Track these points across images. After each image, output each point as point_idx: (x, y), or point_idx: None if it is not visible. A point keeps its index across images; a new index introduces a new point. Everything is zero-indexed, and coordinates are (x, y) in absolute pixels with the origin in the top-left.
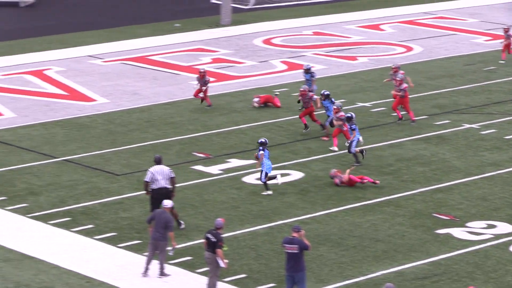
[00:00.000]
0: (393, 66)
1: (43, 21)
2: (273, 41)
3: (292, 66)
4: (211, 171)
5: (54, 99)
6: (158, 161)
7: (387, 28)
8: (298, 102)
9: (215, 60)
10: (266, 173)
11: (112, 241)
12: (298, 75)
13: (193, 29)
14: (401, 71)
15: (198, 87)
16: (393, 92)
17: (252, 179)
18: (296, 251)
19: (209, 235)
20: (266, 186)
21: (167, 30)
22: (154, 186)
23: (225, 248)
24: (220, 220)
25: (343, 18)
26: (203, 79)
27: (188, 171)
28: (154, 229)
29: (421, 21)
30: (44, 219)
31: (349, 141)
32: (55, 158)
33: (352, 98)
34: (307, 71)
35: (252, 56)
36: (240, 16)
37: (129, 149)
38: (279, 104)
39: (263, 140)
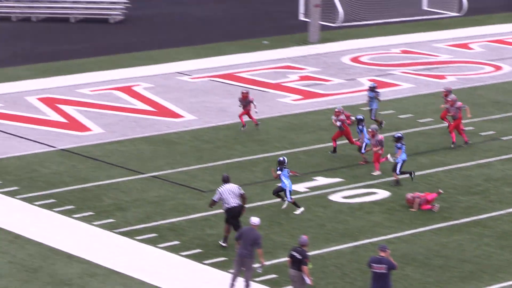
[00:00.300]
0: (444, 90)
1: (132, 37)
2: (361, 59)
3: (380, 85)
4: (298, 188)
5: (142, 115)
6: (226, 180)
7: (476, 47)
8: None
9: (303, 78)
10: (290, 191)
11: (198, 257)
12: (385, 93)
13: (281, 47)
14: (453, 96)
15: (241, 108)
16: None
17: (338, 197)
18: (384, 271)
19: (294, 253)
20: (295, 205)
21: (255, 47)
22: (226, 206)
23: (309, 266)
24: (304, 237)
25: (431, 37)
26: (245, 100)
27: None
28: (241, 246)
29: (511, 41)
30: (131, 234)
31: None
32: (143, 174)
33: (439, 117)
34: (372, 89)
35: (340, 74)
36: (328, 34)
37: (216, 166)
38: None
39: (281, 159)
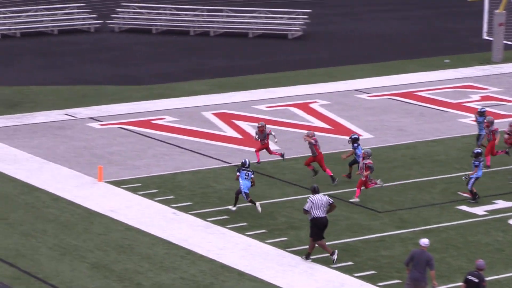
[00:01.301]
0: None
1: (310, 53)
2: None
3: None
4: (476, 212)
5: (319, 133)
6: (315, 191)
7: None
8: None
9: (484, 98)
10: (246, 193)
11: (371, 279)
12: None
13: (463, 66)
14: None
15: (260, 142)
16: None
17: None
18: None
19: (471, 277)
20: (252, 202)
21: (436, 66)
22: (315, 215)
23: None
24: (481, 261)
25: None
26: (262, 133)
27: (453, 211)
28: (413, 269)
29: None
30: (303, 254)
31: (468, 176)
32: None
33: None
34: (481, 113)
35: None
36: None
37: (392, 187)
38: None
39: (243, 161)
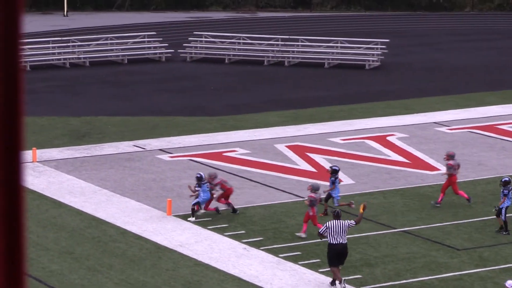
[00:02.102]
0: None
1: (388, 84)
2: None
3: None
4: None
5: (396, 167)
6: (337, 216)
7: None
8: None
9: None
10: (198, 202)
11: None
12: None
13: None
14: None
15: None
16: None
17: None
18: None
19: None
20: (193, 212)
21: None
22: (332, 242)
23: None
24: None
25: None
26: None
27: None
28: None
29: None
30: None
31: (498, 207)
32: (394, 228)
33: None
34: None
35: None
36: None
37: (471, 223)
38: None
39: (198, 175)
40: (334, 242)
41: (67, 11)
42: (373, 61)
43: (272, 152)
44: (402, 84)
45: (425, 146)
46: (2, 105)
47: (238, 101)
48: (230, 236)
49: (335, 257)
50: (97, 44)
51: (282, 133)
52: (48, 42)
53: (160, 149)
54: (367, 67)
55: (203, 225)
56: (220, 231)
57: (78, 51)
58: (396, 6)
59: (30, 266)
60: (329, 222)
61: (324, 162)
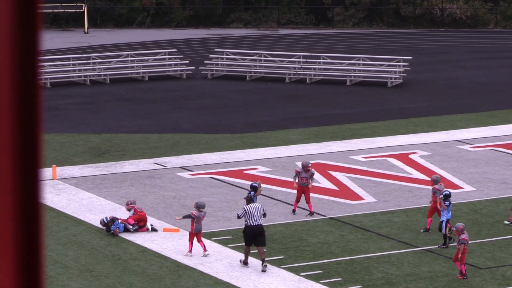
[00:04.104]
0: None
1: (410, 102)
2: None
3: None
4: None
5: (418, 185)
6: (250, 200)
7: None
8: None
9: None
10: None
11: None
12: None
13: None
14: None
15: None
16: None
17: None
18: None
19: None
20: None
21: None
22: (247, 223)
23: None
24: None
25: None
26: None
27: None
28: None
29: None
30: None
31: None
32: (416, 247)
33: None
34: None
35: None
36: None
37: (494, 242)
38: None
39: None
40: (252, 224)
41: (87, 28)
42: (395, 78)
43: (293, 170)
44: (424, 101)
45: (448, 164)
46: (21, 123)
47: (259, 119)
48: (250, 255)
49: (252, 237)
50: (118, 61)
51: (304, 151)
52: (68, 59)
53: (181, 167)
54: (389, 84)
55: (224, 243)
56: (241, 249)
57: (99, 68)
58: (419, 23)
59: (49, 284)
60: (247, 206)
61: (346, 180)
